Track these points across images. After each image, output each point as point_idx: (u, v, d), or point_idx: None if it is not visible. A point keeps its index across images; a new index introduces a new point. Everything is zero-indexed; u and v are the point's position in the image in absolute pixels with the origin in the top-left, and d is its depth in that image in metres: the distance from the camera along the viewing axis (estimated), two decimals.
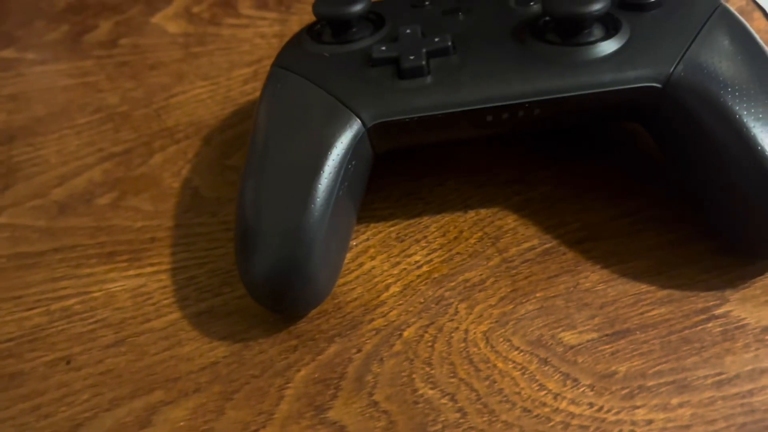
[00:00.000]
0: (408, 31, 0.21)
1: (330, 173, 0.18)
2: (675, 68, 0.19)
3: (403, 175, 0.23)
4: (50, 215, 0.24)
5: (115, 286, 0.22)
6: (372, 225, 0.22)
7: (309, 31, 0.23)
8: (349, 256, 0.21)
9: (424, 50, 0.20)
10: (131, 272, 0.22)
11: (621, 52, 0.19)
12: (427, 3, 0.23)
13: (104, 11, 0.33)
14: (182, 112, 0.27)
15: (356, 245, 0.22)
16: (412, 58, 0.20)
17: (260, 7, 0.32)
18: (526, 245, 0.21)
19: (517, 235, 0.21)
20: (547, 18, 0.20)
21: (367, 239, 0.22)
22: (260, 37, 0.30)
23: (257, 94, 0.28)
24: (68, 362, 0.20)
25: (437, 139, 0.20)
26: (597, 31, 0.20)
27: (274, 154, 0.20)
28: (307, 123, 0.20)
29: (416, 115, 0.19)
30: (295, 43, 0.23)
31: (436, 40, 0.20)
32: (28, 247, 0.24)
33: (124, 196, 0.25)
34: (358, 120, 0.19)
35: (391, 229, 0.22)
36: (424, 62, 0.19)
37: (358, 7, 0.21)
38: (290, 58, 0.22)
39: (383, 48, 0.20)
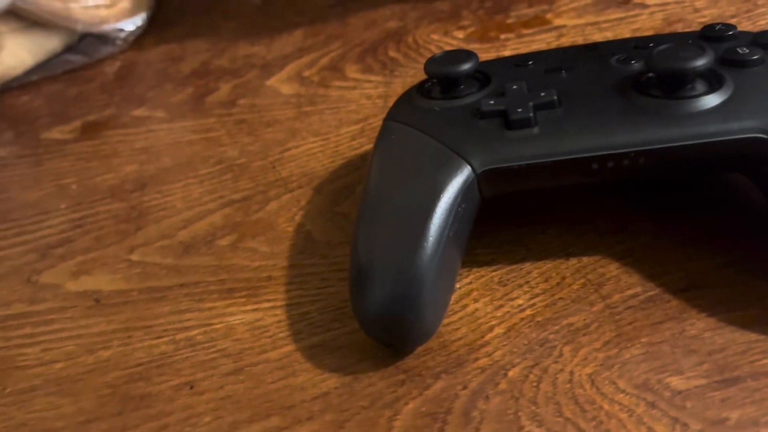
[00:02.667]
0: (515, 86, 0.22)
1: (441, 215, 0.20)
2: None
3: (505, 223, 0.24)
4: (176, 254, 0.27)
5: (234, 320, 0.24)
6: (474, 269, 0.23)
7: (419, 88, 0.24)
8: (452, 298, 0.22)
9: (531, 103, 0.21)
10: (249, 307, 0.24)
11: (725, 105, 0.20)
12: (530, 63, 0.24)
13: (224, 75, 0.37)
14: (295, 164, 0.30)
15: (459, 288, 0.23)
16: (519, 110, 0.21)
17: (366, 71, 0.34)
18: (629, 292, 0.21)
19: (620, 282, 0.22)
20: (650, 74, 0.21)
21: (470, 282, 0.23)
22: (366, 98, 0.33)
23: (364, 148, 0.30)
24: (191, 387, 0.22)
25: (542, 186, 0.21)
26: (700, 86, 0.20)
27: (388, 198, 0.21)
28: (420, 169, 0.21)
29: (524, 163, 0.20)
30: (405, 100, 0.24)
31: (542, 94, 0.21)
32: (156, 282, 0.26)
33: (243, 238, 0.27)
34: (469, 166, 0.20)
35: (494, 273, 0.23)
36: (531, 114, 0.21)
37: (466, 66, 0.23)
38: (402, 113, 0.24)
39: (491, 102, 0.22)
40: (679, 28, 0.31)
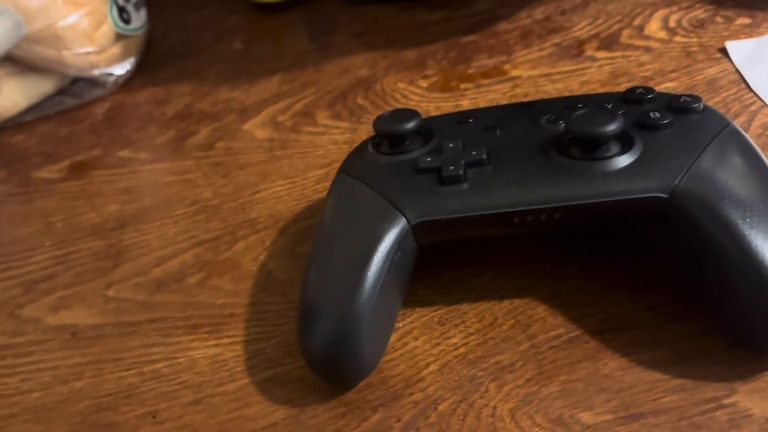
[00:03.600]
0: (451, 144, 0.24)
1: (378, 262, 0.22)
2: (680, 180, 0.21)
3: (447, 266, 0.26)
4: (149, 291, 0.29)
5: (197, 354, 0.26)
6: (417, 309, 0.25)
7: (371, 141, 0.27)
8: (395, 336, 0.24)
9: (462, 162, 0.23)
10: (211, 342, 0.26)
11: (634, 165, 0.22)
12: (471, 120, 0.26)
13: (205, 119, 0.39)
14: (264, 206, 0.32)
15: (402, 327, 0.25)
16: (451, 168, 0.23)
17: (335, 118, 0.37)
18: (553, 333, 0.23)
19: (546, 323, 0.24)
20: (570, 136, 0.23)
21: (412, 322, 0.25)
22: (333, 143, 0.35)
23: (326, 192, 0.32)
24: (154, 416, 0.24)
25: (471, 236, 0.24)
26: (614, 147, 0.23)
27: (333, 245, 0.23)
28: (362, 219, 0.23)
29: (453, 216, 0.22)
30: (357, 152, 0.27)
31: (473, 153, 0.24)
32: (129, 317, 0.28)
33: (210, 276, 0.29)
34: (404, 218, 0.23)
35: (434, 313, 0.25)
36: (462, 172, 0.23)
37: (410, 125, 0.25)
38: (353, 165, 0.26)
39: (428, 159, 0.24)
40: (623, 80, 0.34)
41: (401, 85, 0.38)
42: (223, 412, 0.23)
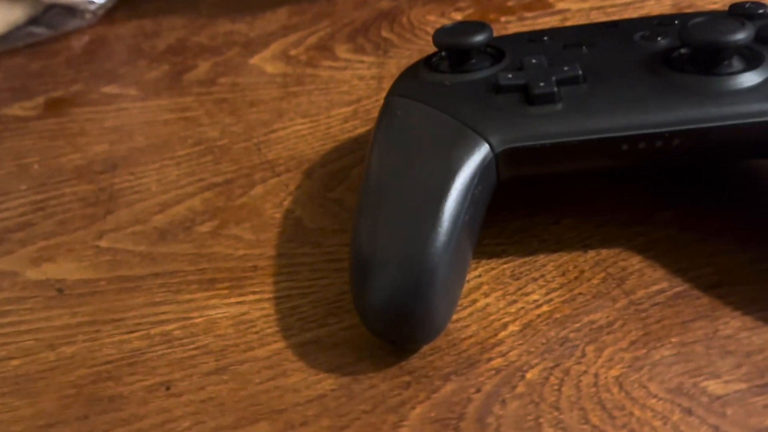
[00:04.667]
0: (534, 60, 0.20)
1: (457, 197, 0.18)
2: None
3: (515, 212, 0.22)
4: (150, 241, 0.24)
5: (217, 313, 0.21)
6: (483, 261, 0.21)
7: (426, 62, 0.22)
8: (462, 292, 0.20)
9: (553, 78, 0.19)
10: (233, 300, 0.22)
11: (765, 84, 0.18)
12: (546, 38, 0.22)
13: (203, 53, 0.34)
14: (282, 146, 0.27)
15: (469, 281, 0.21)
16: (542, 84, 0.19)
17: (357, 51, 0.32)
18: (654, 288, 0.20)
19: (643, 277, 0.20)
20: (682, 50, 0.19)
21: (479, 276, 0.21)
22: (358, 78, 0.30)
23: (358, 131, 0.27)
24: (168, 388, 0.19)
25: (566, 169, 0.19)
26: (737, 63, 0.19)
27: (396, 179, 0.19)
28: (432, 148, 0.19)
29: (548, 142, 0.18)
30: (411, 74, 0.22)
31: (565, 68, 0.19)
32: (128, 271, 0.23)
33: (225, 224, 0.24)
34: (487, 145, 0.18)
35: (505, 266, 0.21)
36: (555, 89, 0.19)
37: (480, 38, 0.21)
38: (408, 87, 0.22)
39: (510, 75, 0.20)
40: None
41: (431, 17, 0.33)
42: (255, 382, 0.19)
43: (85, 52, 0.36)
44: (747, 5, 0.21)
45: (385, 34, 0.33)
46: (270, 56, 0.33)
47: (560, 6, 0.32)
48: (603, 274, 0.20)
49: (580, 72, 0.19)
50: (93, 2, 0.37)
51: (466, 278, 0.21)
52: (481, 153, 0.18)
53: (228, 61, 0.33)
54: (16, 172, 0.29)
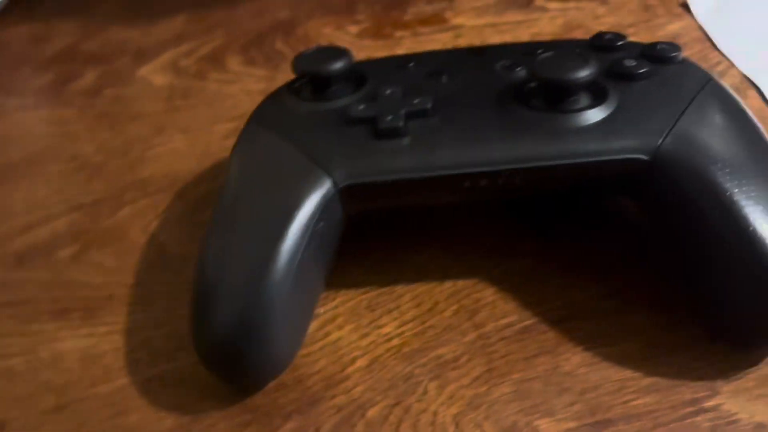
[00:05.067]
0: (388, 91, 0.20)
1: (295, 234, 0.17)
2: (663, 141, 0.18)
3: (378, 241, 0.22)
4: (7, 267, 0.23)
5: (64, 346, 0.20)
6: (342, 291, 0.21)
7: (290, 86, 0.22)
8: (315, 324, 0.20)
9: (402, 111, 0.19)
10: (83, 331, 0.21)
11: (608, 121, 0.18)
12: (411, 64, 0.22)
13: (91, 61, 0.33)
14: (158, 164, 0.27)
15: (324, 313, 0.20)
16: (389, 118, 0.19)
17: (248, 64, 0.32)
18: (504, 321, 0.20)
19: (495, 309, 0.20)
20: (533, 83, 0.19)
21: (336, 307, 0.21)
22: (245, 93, 0.30)
23: None
24: (2, 428, 0.19)
25: (412, 203, 0.19)
26: (583, 99, 0.19)
27: (239, 212, 0.18)
28: (276, 180, 0.19)
29: (390, 177, 0.18)
30: (272, 99, 0.22)
31: (416, 101, 0.19)
32: None
33: (87, 249, 0.23)
34: (330, 179, 0.18)
35: (363, 297, 0.21)
36: (401, 123, 0.19)
37: (338, 65, 0.20)
38: (266, 114, 0.21)
39: (361, 107, 0.19)
40: (579, 34, 0.30)
41: (327, 30, 0.33)
42: (94, 420, 0.18)
43: None
44: (607, 36, 0.22)
45: (279, 46, 0.32)
46: (159, 67, 0.32)
47: (456, 21, 0.32)
48: (456, 306, 0.20)
49: (430, 105, 0.19)
50: None
51: (321, 309, 0.20)
52: (323, 188, 0.18)
53: (115, 72, 0.32)
54: None
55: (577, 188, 0.19)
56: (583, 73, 0.18)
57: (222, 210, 0.19)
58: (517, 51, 0.22)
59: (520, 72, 0.21)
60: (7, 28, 0.37)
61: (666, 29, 0.29)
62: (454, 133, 0.19)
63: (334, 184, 0.18)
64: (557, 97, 0.19)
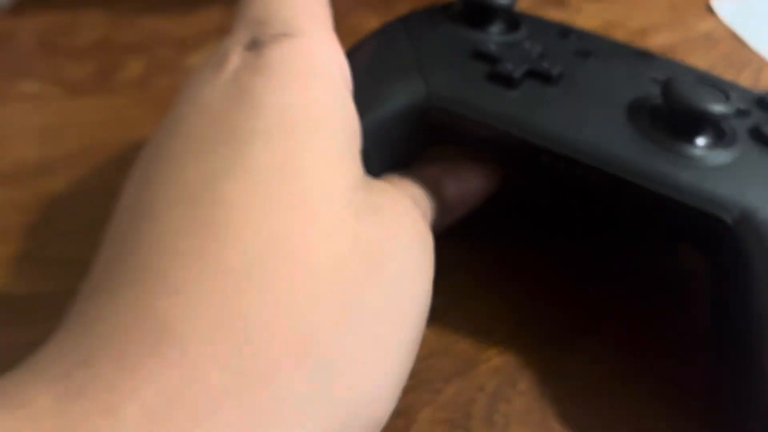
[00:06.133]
0: (527, 44, 0.21)
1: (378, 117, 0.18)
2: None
3: None
4: None
5: None
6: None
7: (444, 6, 0.22)
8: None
9: (525, 66, 0.19)
10: None
11: (727, 168, 0.18)
12: (570, 37, 0.22)
13: (131, 51, 0.32)
14: None
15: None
16: (509, 65, 0.19)
17: None
18: None
19: None
20: (659, 100, 0.19)
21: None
22: None
23: None
24: None
25: (486, 150, 0.19)
26: (707, 137, 0.18)
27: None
28: (381, 71, 0.19)
29: (475, 117, 0.18)
30: (424, 12, 0.22)
31: (545, 63, 0.20)
32: None
33: None
34: (425, 92, 0.19)
35: None
36: (517, 75, 0.19)
37: (505, 2, 0.21)
38: (411, 20, 0.22)
39: (492, 45, 0.20)
40: (617, 33, 0.32)
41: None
42: None
43: None
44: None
45: None
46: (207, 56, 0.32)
47: None
48: None
49: (556, 73, 0.19)
50: None
51: None
52: (416, 93, 0.19)
53: (161, 61, 0.32)
54: None
55: (654, 227, 0.19)
56: (722, 109, 0.17)
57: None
58: (660, 65, 0.21)
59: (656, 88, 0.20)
60: (28, 17, 0.35)
61: (697, 28, 0.32)
62: (563, 110, 0.19)
63: (427, 97, 0.19)
64: (683, 123, 0.18)
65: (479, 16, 0.21)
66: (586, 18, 0.33)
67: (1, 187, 0.25)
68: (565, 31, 0.22)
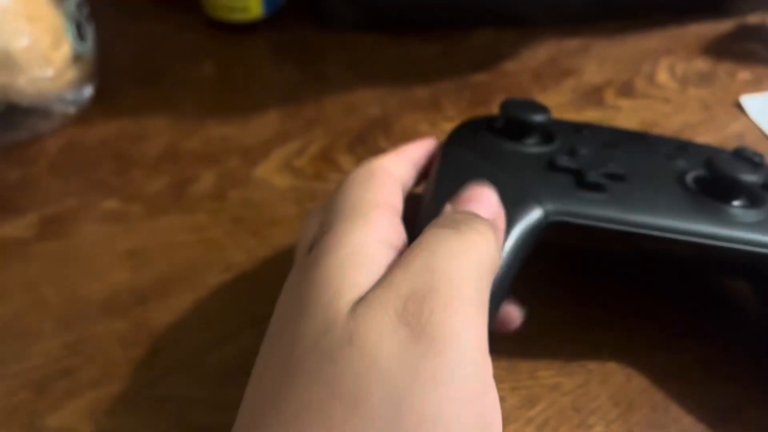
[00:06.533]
0: (584, 150, 0.24)
1: (508, 252, 0.21)
2: None
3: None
4: (211, 385, 0.25)
5: None
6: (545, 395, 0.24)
7: (487, 122, 0.25)
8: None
9: (602, 170, 0.23)
10: None
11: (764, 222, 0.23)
12: (584, 132, 0.26)
13: (201, 161, 0.34)
14: None
15: (534, 417, 0.23)
16: (593, 173, 0.23)
17: (359, 162, 0.34)
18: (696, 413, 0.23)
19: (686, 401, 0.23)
20: (708, 175, 0.24)
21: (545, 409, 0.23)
22: None
23: None
24: None
25: (595, 248, 0.24)
26: (743, 198, 0.23)
27: None
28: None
29: (593, 224, 0.22)
30: (469, 130, 0.25)
31: (611, 165, 0.23)
32: (196, 420, 0.23)
33: None
34: (541, 210, 0.21)
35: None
36: (603, 180, 0.23)
37: (542, 117, 0.24)
38: (466, 141, 0.24)
39: (566, 158, 0.23)
40: (656, 131, 0.34)
41: (423, 127, 0.36)
42: None
43: (65, 158, 0.35)
44: (746, 151, 0.26)
45: (382, 144, 0.35)
46: (275, 167, 0.34)
47: None
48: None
49: (623, 171, 0.23)
50: (66, 102, 0.36)
51: (531, 413, 0.23)
52: (535, 216, 0.21)
53: (231, 172, 0.34)
54: (33, 307, 0.28)
55: (722, 269, 0.24)
56: (754, 177, 0.22)
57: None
58: (671, 144, 0.27)
59: (681, 162, 0.25)
60: (94, 125, 0.37)
61: (730, 127, 0.34)
62: (645, 199, 0.23)
63: (545, 215, 0.21)
64: (727, 191, 0.23)
65: (522, 132, 0.24)
66: (625, 118, 0.35)
67: (103, 318, 0.27)
68: (575, 128, 0.26)
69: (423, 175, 0.24)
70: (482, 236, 0.18)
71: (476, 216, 0.19)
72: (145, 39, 0.44)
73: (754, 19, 0.41)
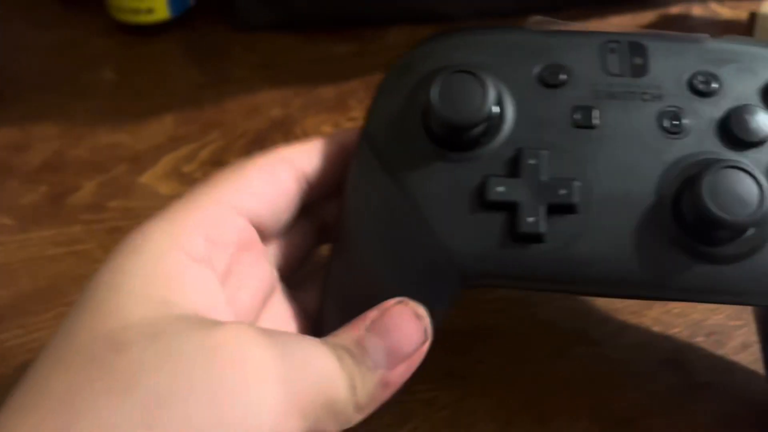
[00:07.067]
0: (531, 161, 0.18)
1: None
2: None
3: None
4: None
5: None
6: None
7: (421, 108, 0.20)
8: None
9: (544, 206, 0.18)
10: None
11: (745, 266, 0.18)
12: (563, 76, 0.19)
13: (85, 170, 0.32)
14: None
15: None
16: (530, 220, 0.18)
17: None
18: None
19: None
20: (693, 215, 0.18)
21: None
22: None
23: None
24: None
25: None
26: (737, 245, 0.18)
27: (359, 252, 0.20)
28: (401, 257, 0.19)
29: (523, 285, 0.19)
30: (399, 121, 0.20)
31: (560, 191, 0.18)
32: None
33: None
34: (459, 277, 0.18)
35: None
36: (543, 229, 0.18)
37: (485, 111, 0.18)
38: (382, 143, 0.20)
39: (500, 189, 0.18)
40: None
41: (326, 128, 0.34)
42: None
43: None
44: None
45: (280, 146, 0.33)
46: (162, 174, 0.32)
47: None
48: None
49: (576, 201, 0.18)
50: None
51: None
52: (452, 285, 0.18)
53: (114, 181, 0.32)
54: None
55: None
56: (747, 218, 0.17)
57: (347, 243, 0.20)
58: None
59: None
60: None
61: None
62: (599, 245, 0.18)
63: (461, 279, 0.18)
64: (723, 235, 0.18)
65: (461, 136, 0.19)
66: None
67: None
68: (552, 71, 0.20)
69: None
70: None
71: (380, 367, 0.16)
72: (52, 46, 0.41)
73: (676, 9, 0.39)
